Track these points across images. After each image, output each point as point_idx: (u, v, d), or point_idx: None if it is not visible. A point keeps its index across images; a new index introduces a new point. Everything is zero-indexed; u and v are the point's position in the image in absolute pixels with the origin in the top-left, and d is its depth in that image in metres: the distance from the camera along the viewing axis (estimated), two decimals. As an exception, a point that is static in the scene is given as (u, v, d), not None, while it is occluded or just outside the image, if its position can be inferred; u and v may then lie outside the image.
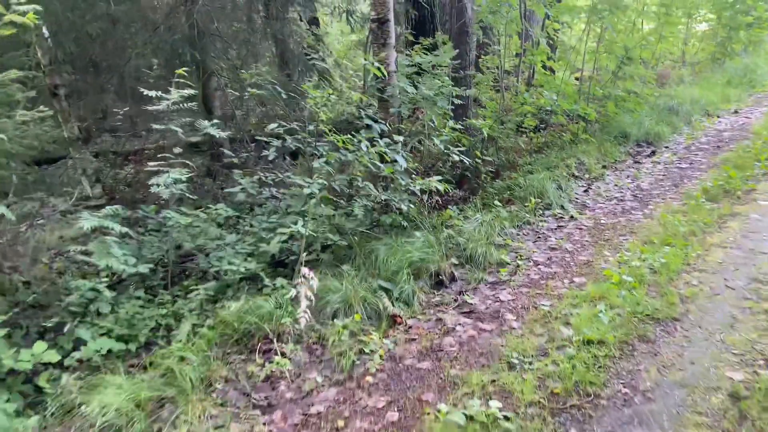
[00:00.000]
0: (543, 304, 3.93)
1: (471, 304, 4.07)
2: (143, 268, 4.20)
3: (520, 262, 4.74)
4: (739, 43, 15.79)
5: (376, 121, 5.73)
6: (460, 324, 3.78)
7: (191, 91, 4.33)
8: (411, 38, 11.11)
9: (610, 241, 5.07)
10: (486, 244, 4.97)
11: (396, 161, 5.31)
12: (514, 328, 3.65)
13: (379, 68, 4.92)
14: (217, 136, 4.27)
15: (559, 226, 5.61)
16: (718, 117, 10.39)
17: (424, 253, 4.59)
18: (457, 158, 5.62)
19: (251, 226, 5.07)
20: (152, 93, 4.18)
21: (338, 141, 4.78)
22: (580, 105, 7.68)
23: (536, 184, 6.35)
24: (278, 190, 5.53)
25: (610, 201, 6.28)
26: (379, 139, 5.43)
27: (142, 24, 7.85)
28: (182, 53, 7.00)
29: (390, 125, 6.15)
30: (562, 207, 6.12)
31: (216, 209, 4.63)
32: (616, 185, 6.82)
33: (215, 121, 4.38)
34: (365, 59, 5.26)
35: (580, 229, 5.49)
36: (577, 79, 10.25)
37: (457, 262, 4.79)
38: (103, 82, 9.16)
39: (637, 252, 4.61)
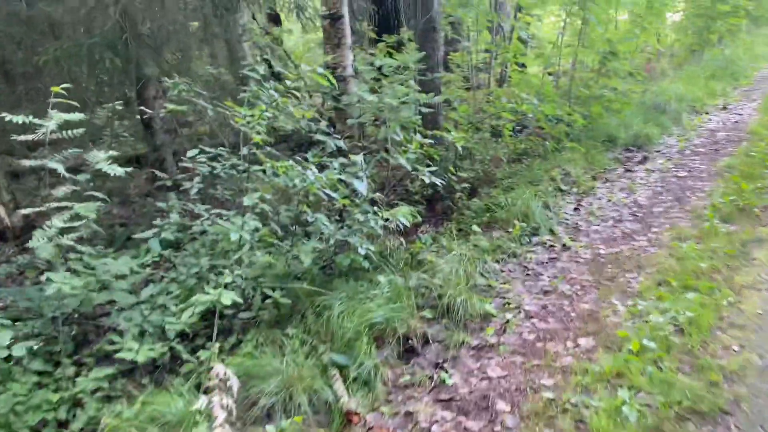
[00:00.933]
0: (544, 385, 3.00)
1: (450, 386, 3.12)
2: (19, 351, 3.20)
3: (508, 316, 3.80)
4: (715, 33, 15.17)
5: (330, 136, 4.79)
6: (437, 421, 2.83)
7: (78, 116, 3.30)
8: (374, 36, 10.18)
9: (615, 280, 4.18)
10: (466, 290, 4.02)
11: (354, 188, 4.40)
12: (509, 429, 2.72)
13: (325, 75, 3.94)
14: (112, 174, 3.23)
15: (550, 259, 4.70)
16: (707, 114, 9.64)
17: (390, 309, 3.64)
18: (427, 180, 4.69)
19: (176, 274, 4.06)
20: (19, 119, 3.13)
21: (278, 169, 3.80)
22: (563, 109, 6.81)
23: (519, 203, 5.43)
24: (211, 224, 4.52)
25: (606, 222, 5.40)
26: (333, 160, 4.49)
27: (69, 26, 6.75)
28: (101, 59, 5.93)
29: (347, 139, 5.22)
30: (552, 231, 5.22)
31: (120, 272, 3.59)
32: (609, 201, 5.94)
33: (111, 153, 3.34)
34: (307, 64, 4.28)
35: (577, 261, 4.59)
36: (550, 74, 9.43)
37: (431, 316, 3.84)
38: (20, 93, 8.03)
39: (653, 298, 3.73)
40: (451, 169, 5.79)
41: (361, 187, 4.38)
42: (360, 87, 5.18)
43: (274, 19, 12.48)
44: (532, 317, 3.80)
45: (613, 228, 5.24)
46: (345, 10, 5.43)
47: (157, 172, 5.01)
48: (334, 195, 4.06)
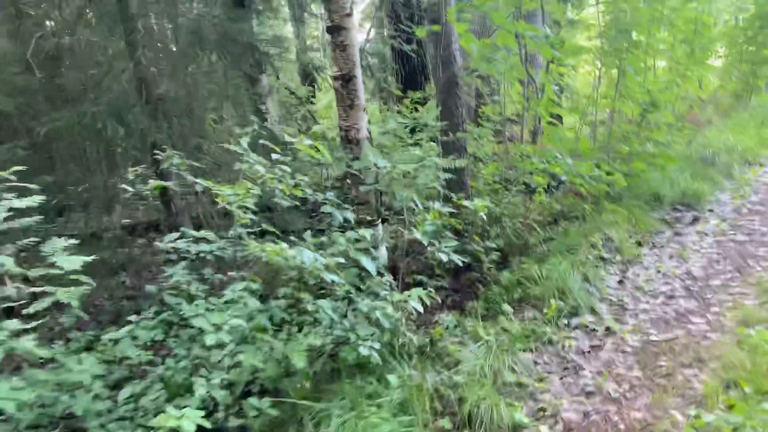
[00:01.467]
0: None
1: None
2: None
3: (543, 429, 3.15)
4: (763, 79, 14.44)
5: (340, 206, 4.32)
6: None
7: (36, 199, 2.91)
8: (399, 93, 9.91)
9: (671, 377, 3.49)
10: (492, 391, 3.40)
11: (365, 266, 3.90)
12: None
13: (314, 146, 3.49)
14: (67, 268, 2.79)
15: (592, 347, 4.03)
16: (761, 166, 8.87)
17: (399, 424, 3.05)
18: (445, 258, 4.13)
19: (162, 369, 3.55)
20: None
21: (269, 254, 3.31)
22: (602, 167, 6.21)
23: (555, 276, 4.81)
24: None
25: (656, 298, 4.71)
26: (340, 235, 4.00)
27: (79, 94, 6.58)
28: (102, 128, 5.66)
29: (361, 206, 4.75)
30: (593, 310, 4.55)
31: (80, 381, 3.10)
32: (658, 271, 5.25)
33: (70, 242, 2.91)
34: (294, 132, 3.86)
35: (623, 351, 3.92)
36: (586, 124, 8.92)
37: (449, 427, 3.22)
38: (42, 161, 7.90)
39: (721, 408, 3.04)
40: (477, 238, 5.22)
41: (370, 265, 3.88)
42: (373, 151, 4.74)
43: (311, 80, 12.43)
44: (572, 429, 3.14)
45: (664, 306, 4.55)
46: (358, 71, 5.02)
47: (160, 244, 4.59)
48: (336, 279, 3.55)
